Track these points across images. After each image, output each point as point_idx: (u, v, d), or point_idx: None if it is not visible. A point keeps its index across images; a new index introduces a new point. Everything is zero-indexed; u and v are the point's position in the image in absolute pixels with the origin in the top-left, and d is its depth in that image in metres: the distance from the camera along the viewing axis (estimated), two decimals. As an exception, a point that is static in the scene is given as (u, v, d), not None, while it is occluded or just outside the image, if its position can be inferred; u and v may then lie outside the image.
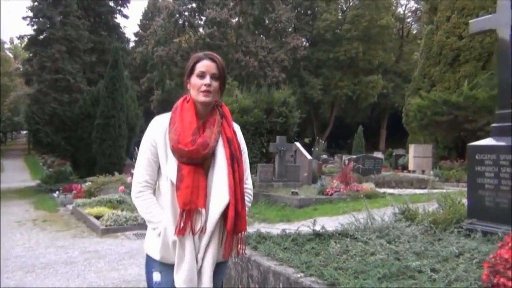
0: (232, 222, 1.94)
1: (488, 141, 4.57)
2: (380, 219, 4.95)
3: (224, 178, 1.96)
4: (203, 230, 1.93)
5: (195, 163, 1.93)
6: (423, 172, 18.01)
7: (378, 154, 29.54)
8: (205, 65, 2.00)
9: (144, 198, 2.01)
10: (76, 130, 20.76)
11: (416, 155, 18.91)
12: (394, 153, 24.11)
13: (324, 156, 27.82)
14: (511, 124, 4.39)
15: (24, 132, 44.75)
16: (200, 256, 1.95)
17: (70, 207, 11.94)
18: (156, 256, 1.97)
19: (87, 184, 14.44)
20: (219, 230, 1.97)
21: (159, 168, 2.02)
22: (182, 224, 1.89)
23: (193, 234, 1.92)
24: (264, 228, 6.14)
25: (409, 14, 49.36)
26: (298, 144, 15.20)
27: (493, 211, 4.43)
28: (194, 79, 2.00)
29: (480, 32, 4.90)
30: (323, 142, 29.11)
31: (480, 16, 5.69)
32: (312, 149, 27.23)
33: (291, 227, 5.20)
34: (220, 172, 1.97)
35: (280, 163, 12.55)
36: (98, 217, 8.88)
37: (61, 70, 21.25)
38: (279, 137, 12.98)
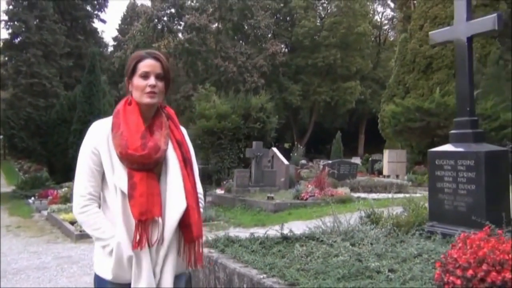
0: (193, 229, 1.83)
1: (447, 147, 4.79)
2: (346, 223, 5.14)
3: (179, 183, 1.84)
4: (159, 241, 1.78)
5: (147, 168, 1.78)
6: (397, 177, 18.38)
7: (356, 159, 29.99)
8: (148, 64, 1.85)
9: (90, 213, 1.82)
10: (52, 135, 20.60)
11: (391, 160, 19.31)
12: (370, 158, 24.51)
13: (303, 161, 28.09)
14: (468, 131, 4.64)
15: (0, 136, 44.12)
16: (158, 269, 1.80)
17: (45, 213, 11.88)
18: (108, 276, 1.81)
19: (63, 190, 14.34)
20: (177, 239, 1.84)
21: (103, 178, 1.86)
22: (138, 237, 1.73)
23: (150, 246, 1.77)
24: (239, 232, 6.26)
25: (386, 21, 50.29)
26: (275, 149, 15.37)
27: (452, 214, 4.65)
28: (137, 80, 1.85)
29: (440, 43, 5.14)
30: (301, 147, 29.44)
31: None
32: (291, 154, 27.53)
33: (264, 231, 5.34)
34: (174, 177, 1.85)
35: (256, 168, 12.71)
36: (73, 223, 8.86)
37: (37, 75, 21.06)
38: (255, 142, 13.16)
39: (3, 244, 7.93)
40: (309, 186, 11.30)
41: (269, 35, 40.69)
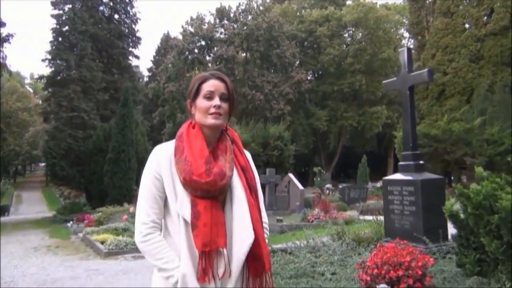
0: (263, 261, 1.72)
1: (396, 176, 5.81)
2: (318, 240, 6.18)
3: (246, 212, 1.72)
4: (226, 273, 1.67)
5: (211, 196, 1.68)
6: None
7: (382, 183, 30.36)
8: (213, 84, 1.77)
9: (153, 242, 1.71)
10: (89, 164, 22.23)
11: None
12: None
13: (328, 185, 28.90)
14: (410, 162, 5.64)
15: (42, 164, 46.89)
16: None
17: (81, 235, 13.23)
18: None
19: (98, 214, 15.76)
20: (243, 272, 1.72)
21: (165, 205, 1.76)
22: (204, 269, 1.64)
23: (216, 279, 1.67)
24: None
25: (412, 46, 50.75)
26: (291, 175, 16.41)
27: (400, 231, 5.62)
28: (201, 101, 1.76)
29: (391, 90, 6.20)
30: (324, 172, 30.26)
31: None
32: (314, 179, 28.43)
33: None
34: (240, 206, 1.73)
35: (270, 193, 13.79)
36: (102, 243, 10.18)
37: (76, 108, 22.96)
38: (268, 169, 14.28)
39: (44, 260, 9.32)
40: (316, 209, 12.30)
41: (296, 63, 42.09)
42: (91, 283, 6.89)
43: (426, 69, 5.36)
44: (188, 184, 1.66)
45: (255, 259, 1.71)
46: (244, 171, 1.81)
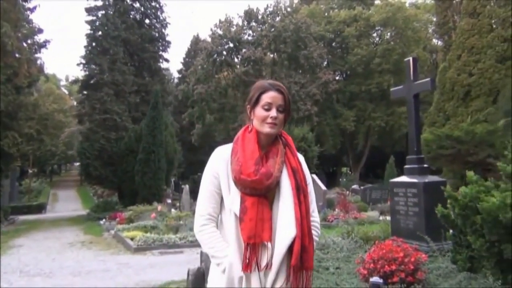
0: (298, 257, 1.81)
1: (401, 178, 6.16)
2: (329, 238, 6.59)
3: (290, 209, 1.86)
4: (268, 266, 1.82)
5: (259, 194, 1.85)
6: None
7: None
8: (272, 96, 1.94)
9: (207, 232, 1.94)
10: (121, 164, 23.01)
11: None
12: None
13: (355, 186, 28.95)
14: (415, 166, 5.98)
15: (77, 164, 48.60)
16: None
17: (112, 232, 13.98)
18: None
19: (129, 212, 16.50)
20: (286, 266, 1.84)
21: (222, 200, 1.96)
22: (247, 259, 1.80)
23: (259, 270, 1.81)
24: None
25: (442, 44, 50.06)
26: (314, 176, 16.73)
27: (405, 231, 5.98)
28: (260, 111, 1.95)
29: (398, 97, 6.54)
30: (350, 173, 30.38)
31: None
32: (340, 179, 28.61)
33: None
34: (286, 204, 1.87)
35: (292, 193, 14.19)
36: (132, 239, 10.84)
37: (109, 111, 23.83)
38: (290, 170, 14.69)
39: (79, 254, 10.03)
40: (336, 209, 12.65)
41: (324, 64, 42.21)
42: (121, 275, 7.51)
43: (429, 79, 5.71)
44: (238, 181, 1.86)
45: (296, 254, 1.80)
46: (294, 173, 1.94)
